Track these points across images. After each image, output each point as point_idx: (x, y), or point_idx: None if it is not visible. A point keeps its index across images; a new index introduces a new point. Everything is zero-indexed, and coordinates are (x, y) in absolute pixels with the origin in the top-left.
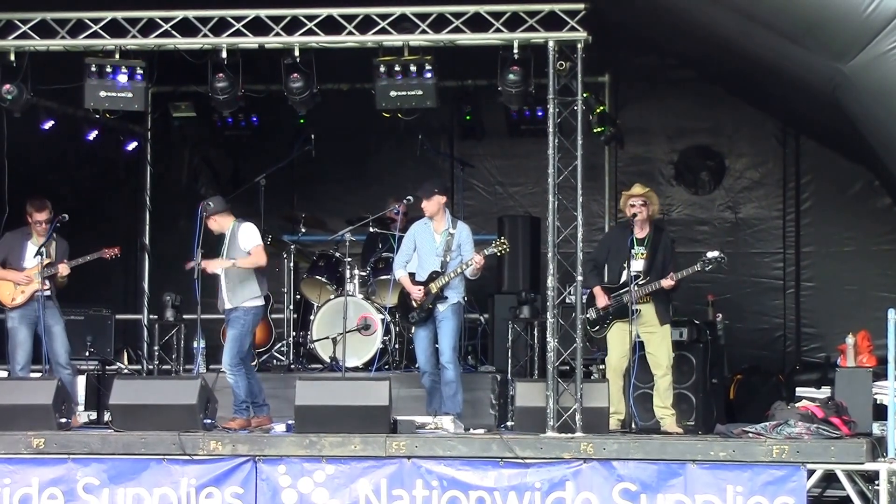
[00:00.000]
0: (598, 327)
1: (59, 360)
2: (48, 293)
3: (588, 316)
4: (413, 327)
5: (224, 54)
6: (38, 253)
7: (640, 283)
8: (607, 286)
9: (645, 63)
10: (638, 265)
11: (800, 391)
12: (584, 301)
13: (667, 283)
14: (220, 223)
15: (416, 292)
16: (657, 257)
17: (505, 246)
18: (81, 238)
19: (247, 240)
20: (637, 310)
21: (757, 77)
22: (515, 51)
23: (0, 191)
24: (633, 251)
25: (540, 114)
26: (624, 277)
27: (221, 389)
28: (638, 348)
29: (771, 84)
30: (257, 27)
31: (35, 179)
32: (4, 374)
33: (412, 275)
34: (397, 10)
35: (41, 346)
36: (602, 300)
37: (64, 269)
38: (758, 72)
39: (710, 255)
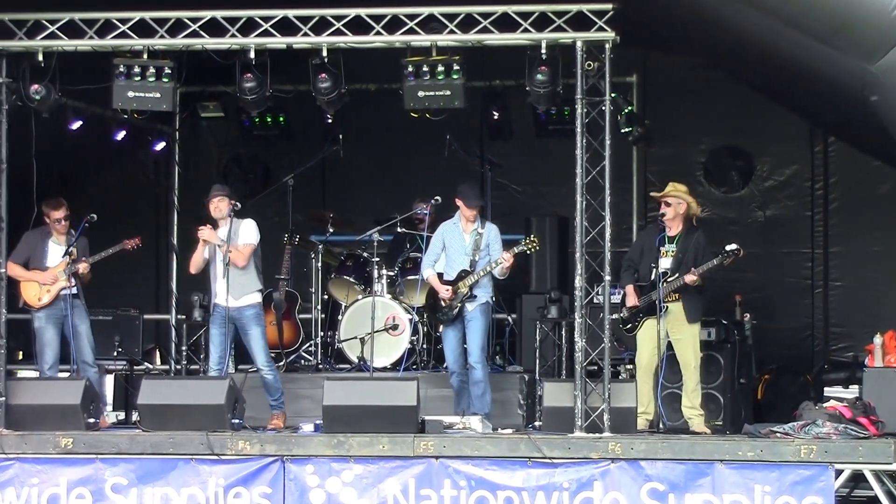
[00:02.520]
0: (629, 325)
1: (86, 359)
2: (74, 291)
3: (621, 314)
4: (441, 327)
5: (252, 54)
6: (67, 252)
7: (669, 280)
8: (639, 284)
9: (673, 63)
10: (667, 263)
11: (828, 391)
12: (620, 300)
13: (689, 277)
14: (221, 210)
15: (445, 292)
16: (686, 255)
17: (535, 244)
18: (110, 238)
19: (244, 235)
20: (665, 307)
21: (786, 77)
22: (543, 51)
23: (28, 191)
24: (663, 249)
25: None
26: (653, 276)
27: (249, 390)
28: (667, 347)
29: (800, 84)
30: (285, 27)
31: (63, 180)
32: (34, 374)
33: (440, 275)
34: (425, 11)
35: (69, 346)
36: (631, 300)
37: (84, 267)
38: (787, 71)
39: (728, 247)
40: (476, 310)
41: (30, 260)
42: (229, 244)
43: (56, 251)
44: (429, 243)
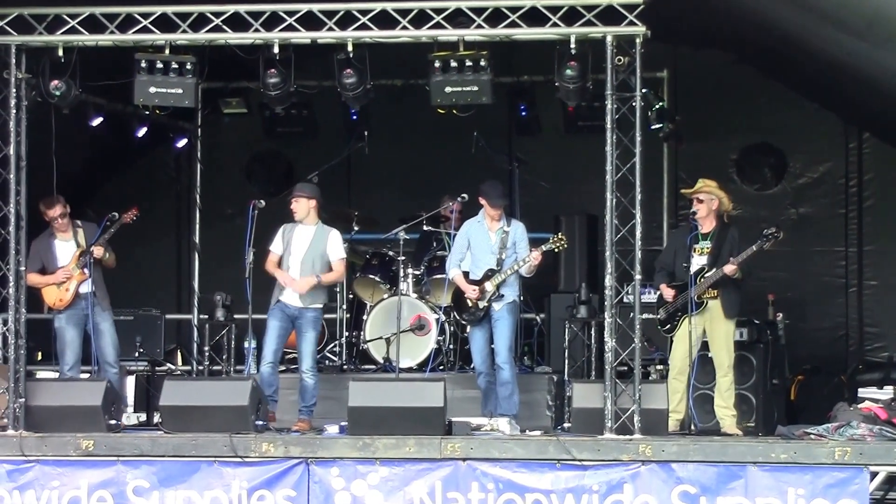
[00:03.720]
0: (668, 326)
1: (107, 359)
2: (93, 288)
3: (658, 316)
4: (468, 327)
5: (276, 49)
6: (87, 252)
7: (706, 275)
8: (674, 284)
9: (705, 58)
10: (702, 260)
11: (862, 392)
12: (656, 301)
13: (729, 268)
14: (307, 210)
15: (472, 291)
16: (722, 251)
17: (563, 242)
18: (131, 237)
19: (336, 250)
20: (705, 302)
21: (819, 72)
22: (572, 46)
23: (49, 188)
24: (697, 246)
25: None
26: (691, 272)
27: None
28: (701, 346)
29: (833, 79)
30: (310, 22)
31: (83, 177)
32: (54, 374)
33: (466, 274)
34: (452, 5)
35: (90, 346)
36: (668, 294)
37: (98, 252)
38: (820, 67)
39: (766, 231)
40: (503, 309)
41: (44, 266)
42: (312, 251)
43: (64, 249)
44: (454, 241)
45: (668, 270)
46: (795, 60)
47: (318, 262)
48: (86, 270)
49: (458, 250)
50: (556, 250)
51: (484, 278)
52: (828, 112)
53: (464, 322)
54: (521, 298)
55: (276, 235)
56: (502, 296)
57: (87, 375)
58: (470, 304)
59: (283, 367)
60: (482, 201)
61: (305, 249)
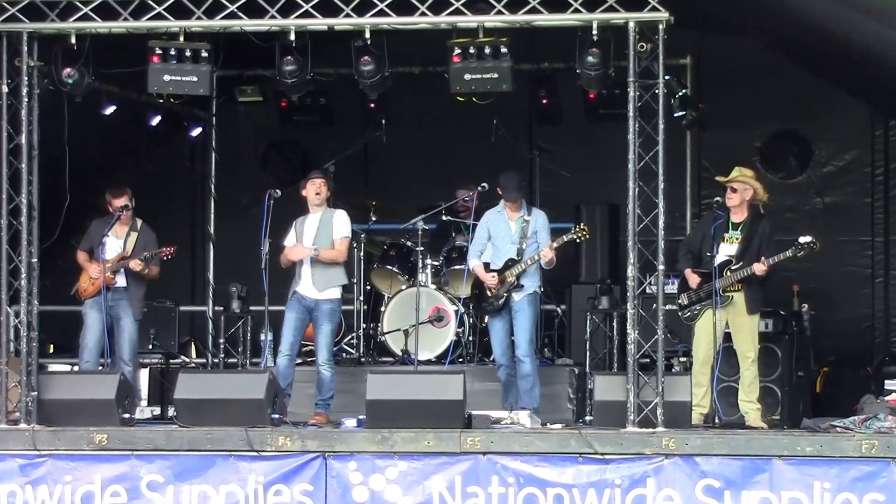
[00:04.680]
0: (688, 314)
1: (122, 356)
2: (123, 284)
3: (680, 301)
4: (488, 318)
5: (292, 36)
6: (100, 243)
7: (733, 268)
8: (699, 271)
9: (729, 45)
10: (731, 250)
11: (889, 384)
12: (677, 286)
13: (759, 267)
14: (326, 193)
15: (491, 279)
16: (752, 243)
17: (584, 232)
18: None
19: (340, 228)
20: (729, 296)
21: (846, 60)
22: (594, 32)
23: (61, 178)
24: (726, 235)
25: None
26: (717, 262)
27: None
28: (724, 339)
29: (860, 67)
30: (327, 8)
31: (97, 166)
32: (66, 367)
33: (486, 265)
34: None
35: (113, 340)
36: (693, 280)
37: (136, 266)
38: (847, 54)
39: (802, 239)
40: (523, 300)
41: (92, 248)
42: (320, 234)
43: (113, 243)
44: (475, 232)
45: (694, 254)
46: (821, 47)
47: (327, 246)
48: (115, 277)
49: (479, 241)
50: (578, 241)
51: (504, 268)
52: (853, 99)
53: (483, 313)
54: (542, 289)
55: (289, 230)
56: (522, 286)
57: (99, 368)
58: (489, 293)
59: (299, 360)
60: (500, 192)
61: (314, 235)
